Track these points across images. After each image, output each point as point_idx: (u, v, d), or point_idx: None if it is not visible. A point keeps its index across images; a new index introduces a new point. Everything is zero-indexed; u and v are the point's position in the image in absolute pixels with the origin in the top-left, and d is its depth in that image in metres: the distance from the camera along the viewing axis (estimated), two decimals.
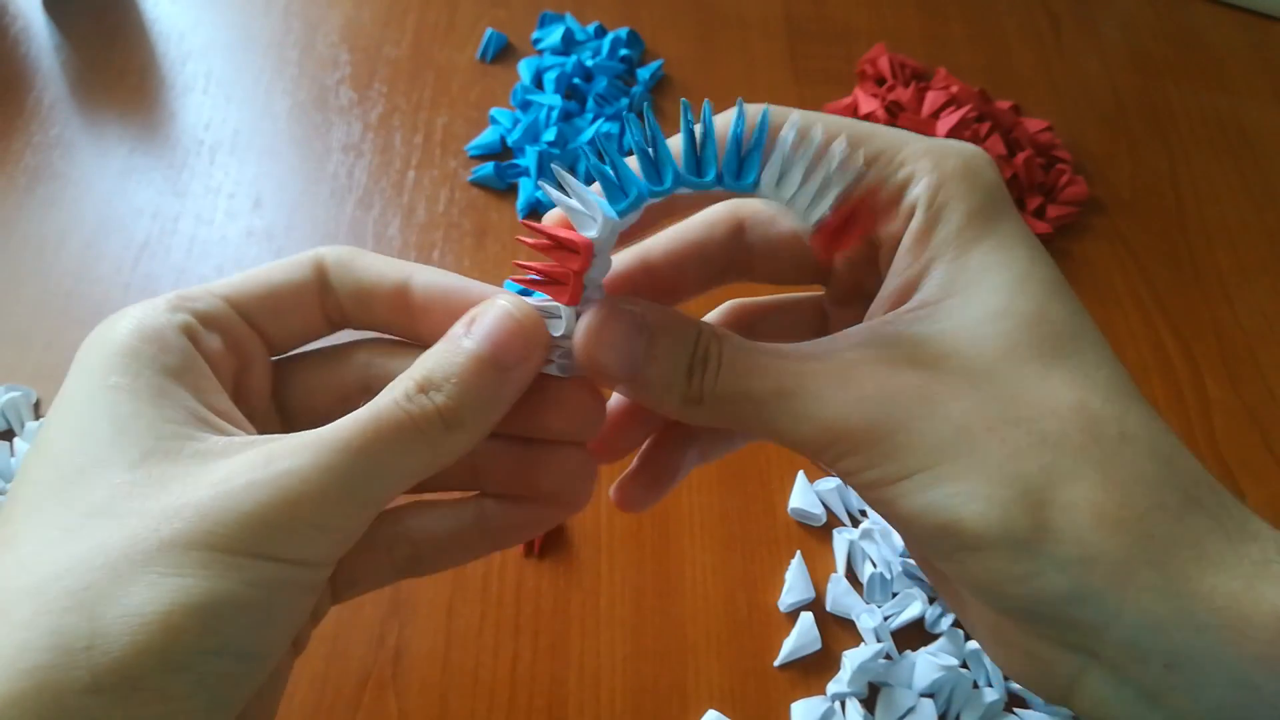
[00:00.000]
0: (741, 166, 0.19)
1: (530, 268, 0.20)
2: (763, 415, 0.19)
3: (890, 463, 0.18)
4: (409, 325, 0.23)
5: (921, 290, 0.20)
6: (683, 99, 0.19)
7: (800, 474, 0.40)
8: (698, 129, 0.19)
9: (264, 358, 0.23)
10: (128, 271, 0.43)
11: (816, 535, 0.39)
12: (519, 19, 0.55)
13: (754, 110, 0.20)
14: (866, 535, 0.38)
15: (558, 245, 0.19)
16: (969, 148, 0.21)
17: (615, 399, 0.24)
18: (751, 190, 0.19)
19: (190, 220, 0.46)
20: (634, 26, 0.55)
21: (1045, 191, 0.51)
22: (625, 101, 0.51)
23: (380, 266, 0.23)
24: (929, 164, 0.20)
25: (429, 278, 0.22)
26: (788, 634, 0.36)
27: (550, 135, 0.48)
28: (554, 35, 0.54)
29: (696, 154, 0.19)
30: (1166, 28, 0.62)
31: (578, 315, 0.20)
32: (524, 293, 0.22)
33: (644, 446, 0.25)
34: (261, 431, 0.20)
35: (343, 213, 0.47)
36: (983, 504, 0.18)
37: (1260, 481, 0.43)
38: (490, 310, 0.20)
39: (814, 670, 0.35)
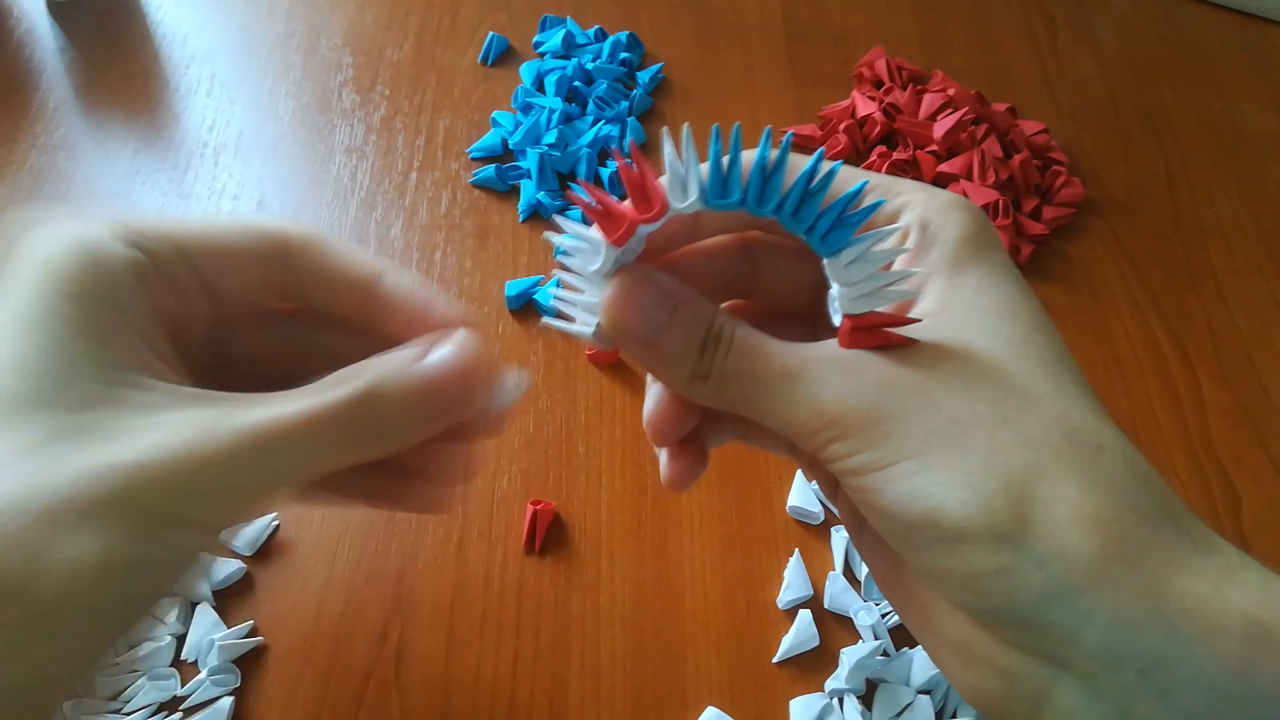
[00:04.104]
0: (763, 192, 0.19)
1: (596, 194, 0.20)
2: (763, 395, 0.20)
3: (881, 448, 0.19)
4: (369, 320, 0.24)
5: (918, 305, 0.21)
6: (714, 125, 0.20)
7: (799, 473, 0.40)
8: (725, 158, 0.19)
9: (206, 311, 0.23)
10: None
11: (815, 533, 0.39)
12: (520, 22, 0.56)
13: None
14: None
15: (604, 211, 0.20)
16: (958, 195, 0.23)
17: (661, 397, 0.24)
18: (771, 215, 0.20)
19: None
20: (634, 30, 0.56)
21: (1041, 193, 0.51)
22: (625, 104, 0.51)
23: (351, 259, 0.23)
24: (923, 196, 0.22)
25: (399, 280, 0.23)
26: (786, 631, 0.36)
27: (551, 138, 0.48)
28: (555, 38, 0.54)
29: (723, 176, 0.19)
30: (1161, 30, 0.62)
31: (615, 263, 0.21)
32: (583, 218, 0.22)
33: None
34: (197, 380, 0.21)
35: (345, 214, 0.47)
36: (966, 493, 0.18)
37: (1255, 481, 0.43)
38: (452, 343, 0.21)
39: (812, 667, 0.36)
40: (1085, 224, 0.52)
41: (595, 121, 0.50)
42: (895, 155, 0.50)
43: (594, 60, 0.53)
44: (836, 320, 0.21)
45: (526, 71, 0.53)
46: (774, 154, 0.19)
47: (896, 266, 0.22)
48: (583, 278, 0.21)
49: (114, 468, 0.18)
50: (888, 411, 0.19)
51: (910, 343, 0.20)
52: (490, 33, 0.54)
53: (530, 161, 0.48)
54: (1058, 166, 0.52)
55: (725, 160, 0.19)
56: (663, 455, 0.24)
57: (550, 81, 0.51)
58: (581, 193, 0.20)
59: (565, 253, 0.21)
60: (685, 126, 0.19)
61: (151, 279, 0.21)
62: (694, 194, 0.19)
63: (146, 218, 0.22)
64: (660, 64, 0.54)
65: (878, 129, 0.51)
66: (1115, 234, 0.51)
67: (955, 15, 0.61)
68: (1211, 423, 0.45)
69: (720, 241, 0.24)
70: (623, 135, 0.50)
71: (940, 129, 0.50)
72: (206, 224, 0.23)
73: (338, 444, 0.20)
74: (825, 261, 0.20)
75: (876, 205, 0.20)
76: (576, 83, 0.51)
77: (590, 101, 0.51)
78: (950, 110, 0.51)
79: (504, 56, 0.54)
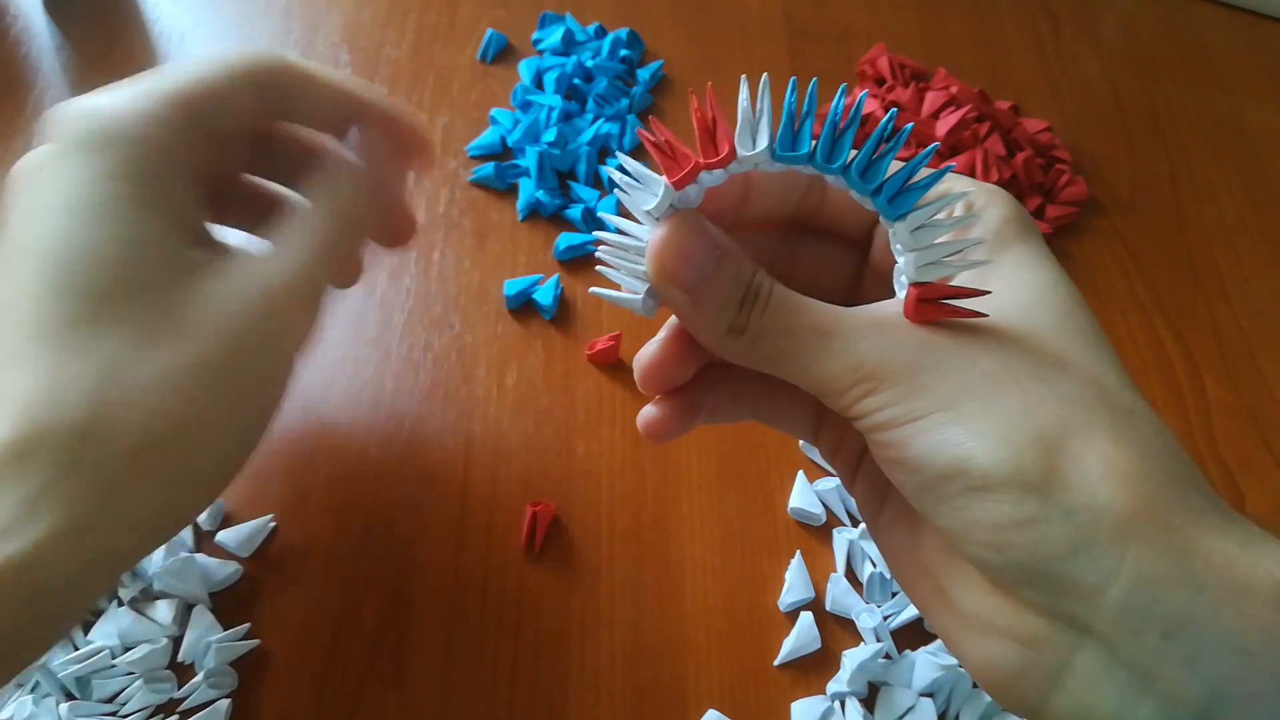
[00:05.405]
0: (832, 149, 0.19)
1: (664, 132, 0.20)
2: (798, 350, 0.20)
3: (913, 400, 0.19)
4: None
5: (956, 279, 0.22)
6: (792, 78, 0.20)
7: (800, 474, 0.40)
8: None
9: (216, 154, 0.27)
10: None
11: (816, 535, 0.39)
12: (519, 19, 0.55)
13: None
14: (866, 535, 0.38)
15: (669, 152, 0.20)
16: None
17: (666, 336, 0.24)
18: (839, 174, 0.20)
19: None
20: (634, 27, 0.55)
21: (1045, 192, 0.51)
22: (625, 102, 0.51)
23: (321, 96, 0.28)
24: (968, 183, 0.23)
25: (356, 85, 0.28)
26: (787, 633, 0.36)
27: (550, 135, 0.48)
28: (554, 36, 0.54)
29: (794, 132, 0.20)
30: (1165, 28, 0.62)
31: (669, 207, 0.21)
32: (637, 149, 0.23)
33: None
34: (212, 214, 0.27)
35: None
36: (995, 442, 0.18)
37: (1259, 482, 0.43)
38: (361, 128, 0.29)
39: (814, 670, 0.35)
40: (1088, 223, 0.51)
41: (595, 119, 0.50)
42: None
43: (594, 57, 0.53)
44: (901, 294, 0.21)
45: (525, 69, 0.52)
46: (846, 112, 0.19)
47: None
48: (629, 224, 0.21)
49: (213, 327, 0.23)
50: (924, 364, 0.19)
51: (978, 316, 0.20)
52: (489, 30, 0.54)
53: (529, 160, 0.47)
54: (1061, 165, 0.51)
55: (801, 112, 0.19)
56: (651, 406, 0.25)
57: (549, 79, 0.51)
58: (649, 130, 0.20)
59: (620, 187, 0.21)
60: (764, 76, 0.19)
61: (179, 144, 0.24)
62: (763, 143, 0.19)
63: (149, 84, 0.25)
64: (660, 61, 0.54)
65: None
66: (1119, 233, 0.51)
67: (958, 13, 0.60)
68: (1215, 422, 0.44)
69: (762, 230, 0.25)
70: (623, 133, 0.50)
71: (943, 127, 0.50)
72: (195, 75, 0.25)
73: (338, 251, 0.27)
74: (892, 228, 0.20)
75: (945, 171, 0.20)
76: (576, 80, 0.51)
77: (590, 99, 0.51)
78: (953, 108, 0.51)
79: (503, 54, 0.54)
